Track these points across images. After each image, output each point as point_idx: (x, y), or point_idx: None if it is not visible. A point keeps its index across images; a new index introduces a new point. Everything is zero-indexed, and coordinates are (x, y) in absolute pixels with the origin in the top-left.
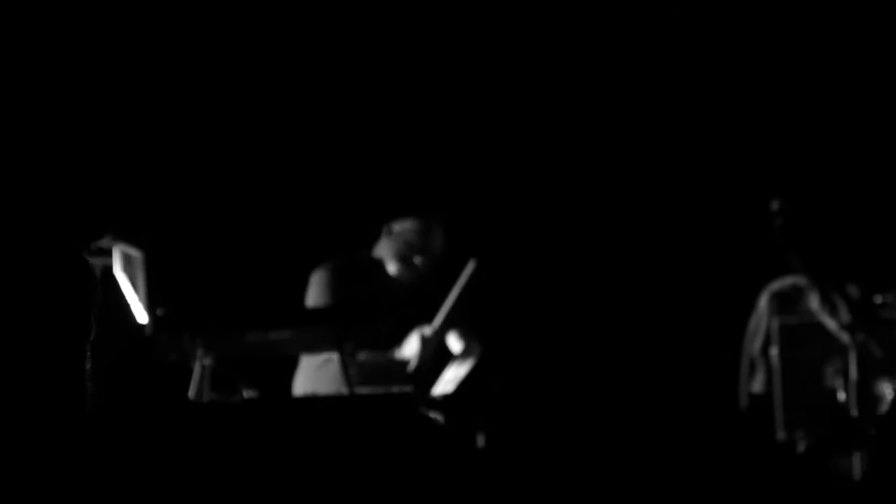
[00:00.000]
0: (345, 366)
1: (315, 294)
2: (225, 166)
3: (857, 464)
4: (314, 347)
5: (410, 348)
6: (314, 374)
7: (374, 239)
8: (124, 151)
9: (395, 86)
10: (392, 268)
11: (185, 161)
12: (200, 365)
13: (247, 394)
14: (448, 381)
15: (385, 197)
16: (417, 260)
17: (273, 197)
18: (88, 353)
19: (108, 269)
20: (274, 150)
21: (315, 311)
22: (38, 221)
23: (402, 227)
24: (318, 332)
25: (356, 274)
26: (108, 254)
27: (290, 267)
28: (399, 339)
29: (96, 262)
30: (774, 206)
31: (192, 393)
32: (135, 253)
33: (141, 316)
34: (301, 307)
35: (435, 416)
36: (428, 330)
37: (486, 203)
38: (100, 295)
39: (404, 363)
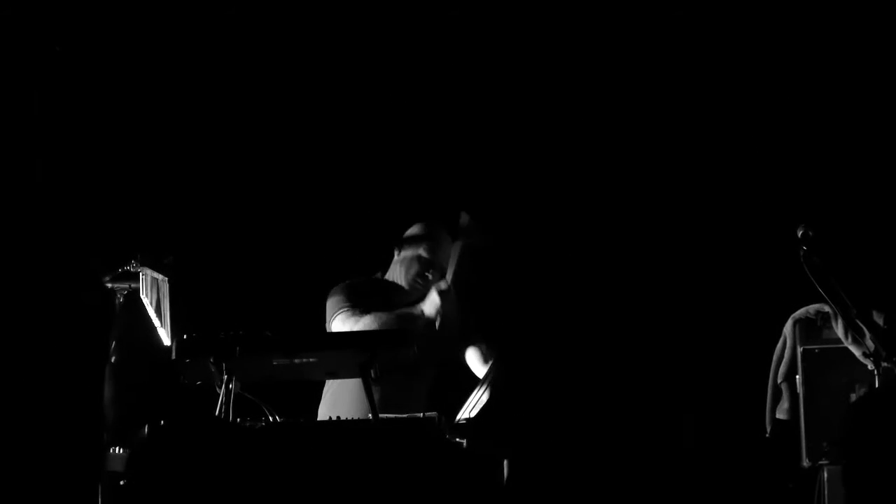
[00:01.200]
0: (369, 391)
1: (334, 308)
2: (252, 192)
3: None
4: (339, 373)
5: (431, 304)
6: (340, 398)
7: (387, 263)
8: (151, 176)
9: (420, 110)
10: (407, 288)
11: (210, 186)
12: (225, 389)
13: (271, 418)
14: (472, 405)
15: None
16: (430, 274)
17: (299, 222)
18: (110, 377)
19: (134, 294)
20: (303, 174)
21: (340, 337)
22: (63, 245)
23: (410, 243)
24: (343, 357)
25: (374, 293)
26: (135, 278)
27: (316, 292)
28: (423, 364)
29: (122, 286)
30: (800, 232)
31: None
32: (161, 277)
33: (166, 340)
34: (327, 332)
35: (459, 441)
36: (443, 284)
37: (511, 232)
38: (124, 319)
39: (427, 320)
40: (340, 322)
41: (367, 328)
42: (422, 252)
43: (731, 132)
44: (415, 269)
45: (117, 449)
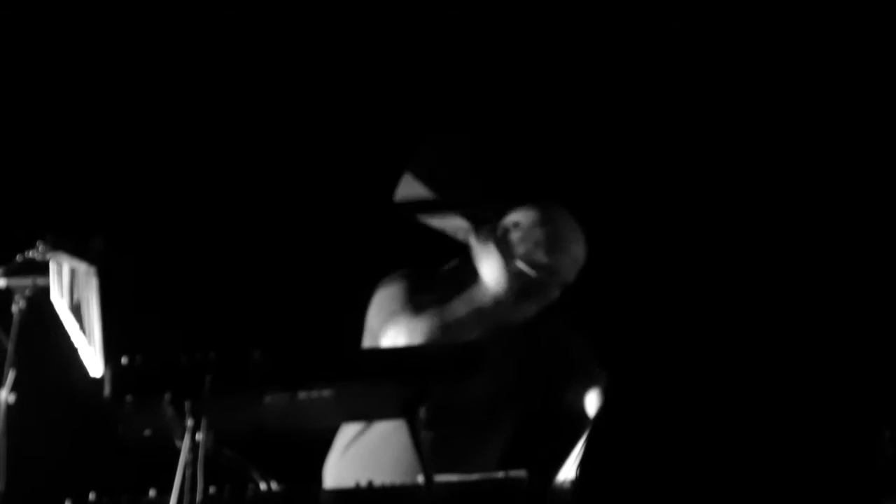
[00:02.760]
0: (418, 442)
1: (385, 313)
2: (221, 142)
3: None
4: (368, 414)
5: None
6: (367, 453)
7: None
8: (73, 129)
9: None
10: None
11: (160, 133)
12: (190, 443)
13: (263, 485)
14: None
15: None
16: (542, 277)
17: (295, 188)
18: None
19: (42, 294)
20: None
21: (370, 359)
22: None
23: (517, 228)
24: (377, 390)
25: (444, 291)
26: (43, 270)
27: (328, 291)
28: (499, 406)
29: (22, 283)
30: None
31: (177, 485)
32: (85, 268)
33: (95, 367)
34: (346, 351)
35: None
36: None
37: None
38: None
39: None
40: (394, 336)
41: (424, 336)
42: (534, 239)
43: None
44: (520, 263)
45: None
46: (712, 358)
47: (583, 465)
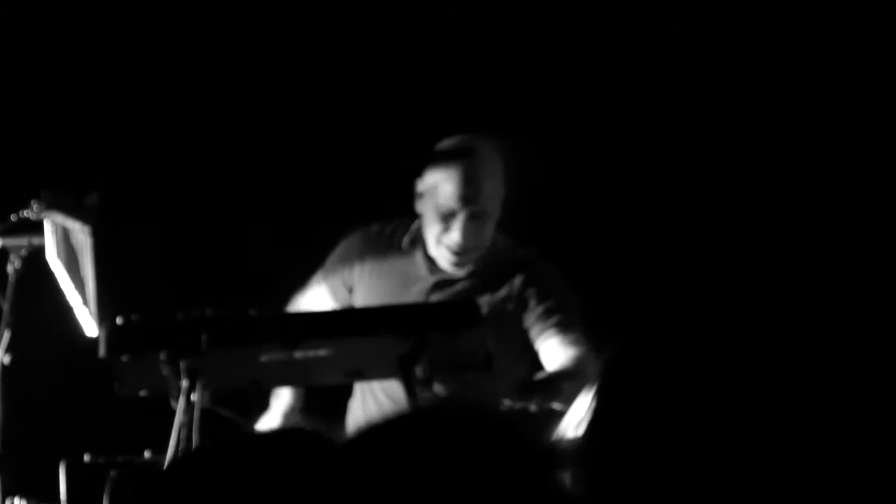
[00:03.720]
0: (413, 398)
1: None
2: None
3: None
4: (366, 372)
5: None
6: (374, 411)
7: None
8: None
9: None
10: (433, 238)
11: (156, 89)
12: (186, 402)
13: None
14: (578, 418)
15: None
16: (467, 208)
17: (290, 144)
18: None
19: (37, 254)
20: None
21: (366, 313)
22: None
23: (436, 168)
24: (373, 346)
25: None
26: (38, 229)
27: (325, 246)
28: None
29: (17, 243)
30: None
31: (172, 446)
32: (80, 227)
33: (90, 327)
34: (346, 309)
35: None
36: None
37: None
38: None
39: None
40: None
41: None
42: (449, 184)
43: None
44: (438, 210)
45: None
46: (726, 319)
47: (592, 426)
